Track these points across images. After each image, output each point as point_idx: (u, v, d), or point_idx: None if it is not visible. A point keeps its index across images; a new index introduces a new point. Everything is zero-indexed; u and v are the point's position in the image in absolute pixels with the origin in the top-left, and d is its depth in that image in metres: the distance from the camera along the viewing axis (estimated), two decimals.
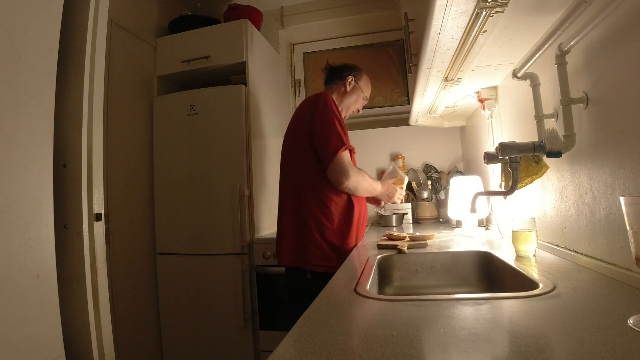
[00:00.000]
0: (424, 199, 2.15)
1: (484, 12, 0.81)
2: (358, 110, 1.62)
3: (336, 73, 1.56)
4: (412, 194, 2.21)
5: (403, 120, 2.25)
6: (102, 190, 1.24)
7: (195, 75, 2.07)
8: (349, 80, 1.54)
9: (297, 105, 2.68)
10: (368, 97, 1.65)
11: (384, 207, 1.59)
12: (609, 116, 0.75)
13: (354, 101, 1.57)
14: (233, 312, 1.83)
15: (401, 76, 2.57)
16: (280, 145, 1.53)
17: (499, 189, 1.13)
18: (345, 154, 1.30)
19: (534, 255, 1.01)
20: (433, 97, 1.57)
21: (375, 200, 1.61)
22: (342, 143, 1.29)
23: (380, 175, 2.34)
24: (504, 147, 0.94)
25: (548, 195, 1.06)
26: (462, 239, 1.44)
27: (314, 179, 1.34)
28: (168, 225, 1.96)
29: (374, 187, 1.44)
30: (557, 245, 1.02)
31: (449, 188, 1.77)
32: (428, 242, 1.34)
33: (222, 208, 1.88)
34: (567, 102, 0.87)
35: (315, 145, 1.32)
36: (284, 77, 2.60)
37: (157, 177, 1.99)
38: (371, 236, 1.69)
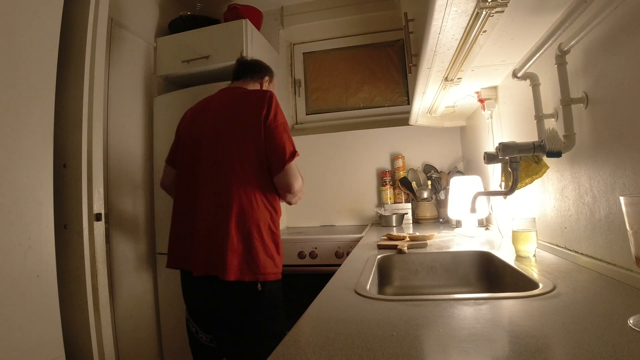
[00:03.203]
0: (424, 199, 2.15)
1: (484, 12, 0.82)
2: None
3: (251, 68, 1.41)
4: (412, 194, 2.21)
5: (403, 120, 2.25)
6: (102, 190, 1.24)
7: (195, 75, 2.07)
8: (266, 79, 1.44)
9: (296, 105, 2.68)
10: None
11: None
12: (609, 116, 0.75)
13: None
14: None
15: (401, 76, 2.57)
16: None
17: (499, 189, 1.13)
18: (295, 160, 1.23)
19: (534, 255, 1.01)
20: (433, 97, 1.57)
21: None
22: (294, 148, 1.22)
23: (381, 175, 2.34)
24: (504, 147, 0.94)
25: (548, 195, 1.06)
26: (462, 239, 1.44)
27: (264, 182, 1.20)
28: (168, 225, 1.95)
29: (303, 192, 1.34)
30: (557, 245, 1.02)
31: (449, 188, 1.77)
32: (428, 242, 1.34)
33: None
34: (567, 102, 0.87)
35: (267, 149, 1.19)
36: (284, 77, 2.60)
37: (157, 177, 1.99)
38: (371, 236, 1.69)
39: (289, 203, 1.30)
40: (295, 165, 1.21)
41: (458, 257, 1.17)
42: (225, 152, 1.21)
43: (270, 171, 1.20)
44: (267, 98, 1.22)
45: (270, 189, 1.22)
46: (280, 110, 1.25)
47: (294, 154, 1.20)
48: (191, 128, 1.33)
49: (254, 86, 1.40)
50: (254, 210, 1.17)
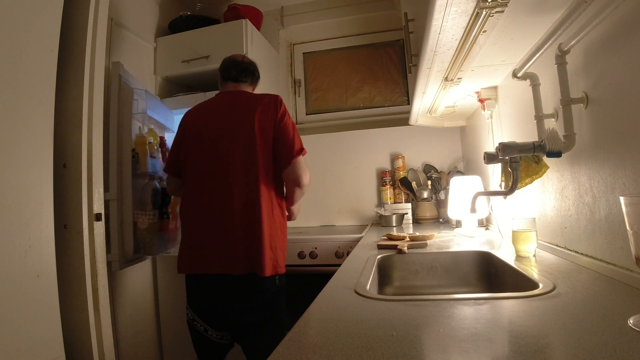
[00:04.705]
0: (424, 199, 2.15)
1: (484, 12, 0.82)
2: None
3: (250, 73, 1.43)
4: (412, 194, 2.21)
5: (403, 120, 2.25)
6: (102, 190, 1.24)
7: (195, 75, 2.07)
8: (257, 83, 1.49)
9: (296, 105, 2.68)
10: None
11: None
12: (609, 116, 0.75)
13: None
14: None
15: (401, 76, 2.57)
16: None
17: (499, 189, 1.13)
18: (303, 156, 1.30)
19: (534, 255, 1.01)
20: (433, 97, 1.57)
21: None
22: (302, 145, 1.30)
23: (381, 175, 2.34)
24: (504, 147, 0.94)
25: (548, 195, 1.06)
26: (462, 239, 1.44)
27: (280, 181, 1.30)
28: None
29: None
30: (557, 245, 1.02)
31: (449, 188, 1.77)
32: (428, 242, 1.34)
33: None
34: (567, 102, 0.87)
35: (276, 146, 1.27)
36: (284, 77, 2.60)
37: None
38: (371, 236, 1.69)
39: (290, 212, 1.41)
40: (304, 160, 1.28)
41: (458, 257, 1.17)
42: (250, 155, 1.26)
43: (280, 166, 1.27)
44: (279, 102, 1.31)
45: (282, 187, 1.32)
46: (288, 112, 1.34)
47: (302, 150, 1.28)
48: (200, 135, 1.33)
49: (251, 90, 1.45)
50: (274, 209, 1.26)
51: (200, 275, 1.26)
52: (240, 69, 1.41)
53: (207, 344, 1.28)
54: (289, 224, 2.29)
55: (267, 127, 1.26)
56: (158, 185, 1.61)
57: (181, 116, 1.44)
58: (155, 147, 1.64)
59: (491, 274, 1.11)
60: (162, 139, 1.74)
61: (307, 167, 1.29)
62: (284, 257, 1.29)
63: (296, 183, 1.27)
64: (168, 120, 1.85)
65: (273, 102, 1.30)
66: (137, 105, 1.56)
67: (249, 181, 1.23)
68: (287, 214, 1.39)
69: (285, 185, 1.31)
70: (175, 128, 1.54)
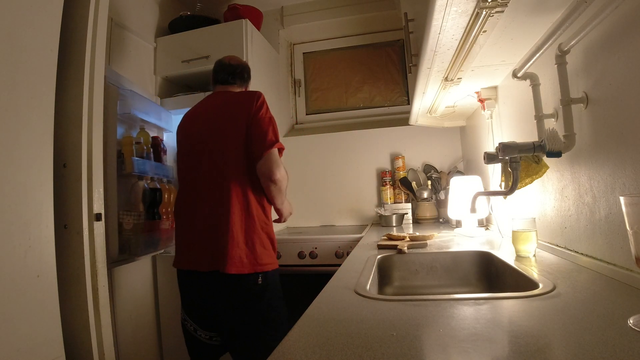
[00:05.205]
0: (424, 199, 2.15)
1: (484, 12, 0.82)
2: None
3: (239, 75, 1.44)
4: (412, 194, 2.21)
5: (403, 120, 2.25)
6: (102, 190, 1.23)
7: (195, 75, 2.07)
8: (249, 83, 1.50)
9: (296, 105, 2.68)
10: None
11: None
12: (609, 116, 0.75)
13: None
14: None
15: (401, 76, 2.57)
16: None
17: (499, 189, 1.13)
18: (277, 150, 1.26)
19: (534, 255, 1.01)
20: (433, 97, 1.57)
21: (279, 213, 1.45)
22: (277, 139, 1.26)
23: (381, 175, 2.34)
24: (504, 147, 0.94)
25: (548, 195, 1.06)
26: (462, 239, 1.44)
27: (255, 176, 1.25)
28: None
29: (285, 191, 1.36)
30: (557, 245, 1.02)
31: (449, 188, 1.77)
32: (428, 242, 1.34)
33: None
34: (567, 102, 0.87)
35: (250, 139, 1.24)
36: (284, 77, 2.60)
37: None
38: (371, 236, 1.69)
39: (279, 214, 1.39)
40: (278, 155, 1.25)
41: (458, 257, 1.17)
42: (222, 152, 1.26)
43: (253, 159, 1.24)
44: (256, 96, 1.29)
45: (260, 187, 1.28)
46: (267, 107, 1.31)
47: (275, 143, 1.24)
48: (185, 136, 1.38)
49: (243, 90, 1.46)
50: (251, 204, 1.24)
51: (184, 271, 1.30)
52: (228, 72, 1.42)
53: (197, 344, 1.29)
54: (290, 223, 2.28)
55: (241, 122, 1.25)
56: (147, 186, 1.61)
57: (181, 117, 1.45)
58: (145, 148, 1.63)
59: (491, 274, 1.11)
60: (155, 139, 1.73)
61: (282, 162, 1.26)
62: (270, 254, 1.25)
63: (268, 177, 1.21)
64: (163, 121, 1.84)
65: (249, 97, 1.30)
66: (124, 105, 1.56)
67: (220, 177, 1.24)
68: (271, 214, 1.35)
69: (260, 181, 1.25)
70: (173, 128, 1.53)
